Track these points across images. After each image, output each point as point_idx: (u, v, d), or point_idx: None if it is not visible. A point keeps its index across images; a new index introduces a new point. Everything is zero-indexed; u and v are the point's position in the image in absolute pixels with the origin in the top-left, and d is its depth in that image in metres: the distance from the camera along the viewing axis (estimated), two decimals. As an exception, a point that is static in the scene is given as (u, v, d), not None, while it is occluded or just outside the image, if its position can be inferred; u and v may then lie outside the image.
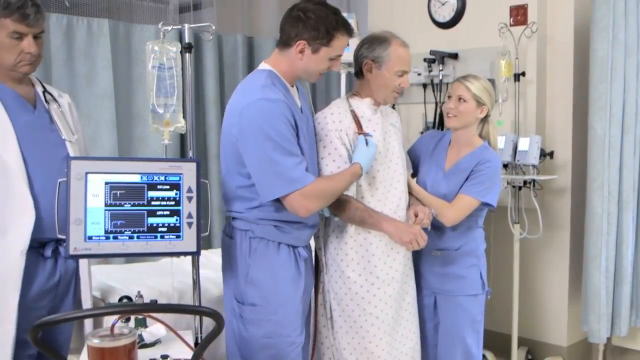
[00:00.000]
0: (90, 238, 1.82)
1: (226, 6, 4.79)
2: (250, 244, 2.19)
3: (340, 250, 2.41)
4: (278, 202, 2.15)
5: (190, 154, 2.44)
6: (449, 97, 2.64)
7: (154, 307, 1.69)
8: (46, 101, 2.12)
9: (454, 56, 3.82)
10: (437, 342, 2.71)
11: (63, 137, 2.10)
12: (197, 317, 2.49)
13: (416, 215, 2.41)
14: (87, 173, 1.83)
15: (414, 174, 2.72)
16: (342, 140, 2.35)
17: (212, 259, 3.43)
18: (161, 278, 3.11)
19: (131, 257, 2.07)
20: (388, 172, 2.47)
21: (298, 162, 2.10)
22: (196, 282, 2.42)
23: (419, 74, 3.88)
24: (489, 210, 2.70)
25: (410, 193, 2.59)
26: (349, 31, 2.19)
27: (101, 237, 1.84)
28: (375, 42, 2.42)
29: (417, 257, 2.65)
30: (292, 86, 2.28)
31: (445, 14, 3.88)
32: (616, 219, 3.33)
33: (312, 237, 2.43)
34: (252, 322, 2.19)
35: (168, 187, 1.91)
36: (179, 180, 1.92)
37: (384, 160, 2.46)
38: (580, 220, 3.55)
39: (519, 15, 3.57)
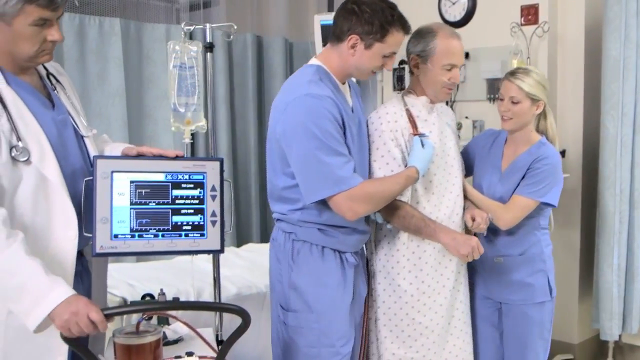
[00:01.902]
0: (116, 236, 1.82)
1: (235, 5, 4.80)
2: (294, 246, 2.11)
3: (392, 257, 2.29)
4: (322, 205, 2.04)
5: (212, 152, 2.43)
6: (501, 99, 2.45)
7: (187, 304, 1.71)
8: (54, 88, 1.89)
9: (465, 55, 3.83)
10: (502, 352, 2.58)
11: (81, 134, 1.90)
12: (217, 314, 2.50)
13: (473, 220, 2.29)
14: (112, 172, 1.83)
15: (467, 175, 2.59)
16: (397, 141, 2.22)
17: (227, 256, 3.45)
18: (176, 276, 3.13)
19: (154, 255, 2.07)
20: (444, 175, 2.33)
21: (345, 162, 1.99)
22: (216, 280, 2.42)
23: (430, 73, 3.89)
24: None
25: (464, 196, 2.43)
26: (405, 27, 2.06)
27: (127, 236, 1.83)
28: (420, 35, 2.28)
29: (479, 265, 2.52)
30: (343, 83, 2.16)
31: (455, 14, 3.90)
32: (628, 217, 3.36)
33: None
34: (295, 329, 2.11)
35: (192, 185, 1.91)
36: (203, 179, 1.92)
37: (441, 163, 2.31)
38: (590, 218, 3.57)
39: (529, 15, 3.58)
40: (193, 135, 4.20)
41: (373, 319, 2.33)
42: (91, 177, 1.82)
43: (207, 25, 2.32)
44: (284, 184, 2.08)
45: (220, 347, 2.27)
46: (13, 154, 1.66)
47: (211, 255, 2.96)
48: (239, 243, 4.30)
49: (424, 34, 2.27)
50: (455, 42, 2.27)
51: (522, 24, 3.57)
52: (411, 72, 2.35)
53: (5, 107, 1.68)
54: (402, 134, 2.23)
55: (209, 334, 2.26)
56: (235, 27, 2.34)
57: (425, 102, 2.32)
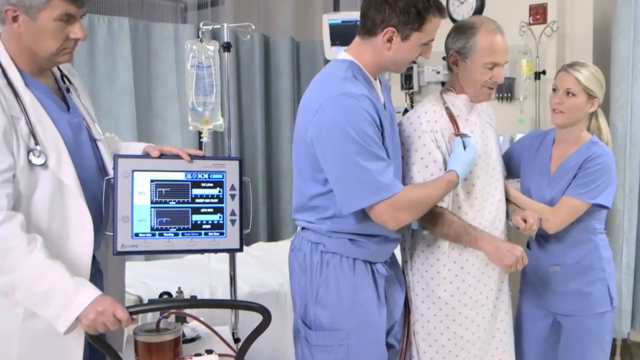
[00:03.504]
0: (137, 235, 1.83)
1: (242, 4, 4.81)
2: (322, 259, 1.95)
3: (431, 267, 2.13)
4: (356, 213, 1.89)
5: (229, 152, 2.43)
6: (555, 89, 2.33)
7: (209, 302, 1.72)
8: (67, 90, 1.88)
9: (474, 55, 3.84)
10: None
11: (94, 137, 1.89)
12: (234, 313, 2.51)
13: (525, 221, 2.17)
14: (133, 171, 1.84)
15: (512, 177, 2.47)
16: (437, 143, 2.07)
17: (238, 255, 3.45)
18: (188, 274, 3.14)
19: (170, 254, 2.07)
20: (487, 178, 2.18)
21: (385, 167, 1.84)
22: (232, 278, 2.43)
23: (438, 72, 3.90)
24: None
25: (507, 199, 2.29)
26: (441, 11, 1.90)
27: (147, 234, 1.85)
28: (460, 30, 2.13)
29: (532, 274, 2.40)
30: (376, 79, 2.01)
31: (464, 13, 3.89)
32: (637, 216, 3.36)
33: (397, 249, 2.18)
34: (319, 348, 1.95)
35: (212, 184, 1.92)
36: (222, 178, 1.93)
37: (483, 166, 2.16)
38: (599, 217, 3.59)
39: (538, 14, 3.59)
40: (201, 134, 4.24)
41: (411, 332, 2.20)
42: (111, 177, 1.84)
43: (225, 24, 2.32)
44: (314, 191, 1.94)
45: (237, 344, 2.30)
46: (30, 158, 1.65)
47: (223, 254, 2.97)
48: (247, 242, 4.31)
49: (464, 29, 2.13)
50: (499, 39, 2.10)
51: (530, 24, 3.58)
52: (449, 69, 2.22)
53: (24, 110, 1.67)
54: (442, 134, 2.09)
55: (225, 331, 2.27)
56: (253, 27, 2.33)
57: (465, 100, 2.18)
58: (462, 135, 2.08)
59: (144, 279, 3.01)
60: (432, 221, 2.08)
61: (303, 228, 2.02)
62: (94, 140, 1.88)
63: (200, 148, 4.10)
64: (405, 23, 1.86)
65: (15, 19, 1.65)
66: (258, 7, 4.87)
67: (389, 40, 1.89)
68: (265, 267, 3.43)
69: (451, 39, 2.16)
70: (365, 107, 1.84)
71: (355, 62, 1.95)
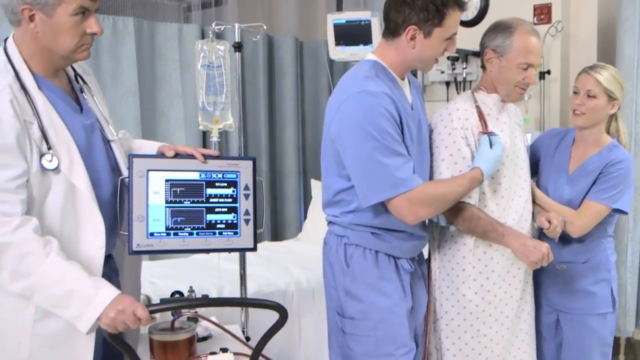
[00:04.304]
0: (152, 234, 1.84)
1: (245, 4, 4.82)
2: (346, 251, 2.02)
3: (457, 265, 2.16)
4: (376, 207, 1.95)
5: (241, 152, 2.43)
6: (575, 92, 2.36)
7: (226, 300, 1.73)
8: (80, 90, 1.85)
9: (478, 54, 3.83)
10: None
11: (108, 138, 1.87)
12: (244, 311, 2.52)
13: (549, 222, 2.17)
14: (148, 170, 1.84)
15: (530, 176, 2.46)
16: (467, 140, 2.11)
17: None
18: (195, 274, 3.15)
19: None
20: (514, 178, 2.20)
21: (403, 162, 1.89)
22: (243, 278, 2.44)
23: (442, 72, 3.92)
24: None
25: (532, 201, 2.31)
26: (460, 5, 1.94)
27: (162, 234, 1.85)
28: (498, 29, 2.18)
29: (539, 270, 2.34)
30: (403, 79, 2.05)
31: (468, 13, 3.88)
32: (641, 215, 3.39)
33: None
34: (352, 337, 2.02)
35: (226, 184, 1.92)
36: (236, 177, 1.94)
37: (511, 165, 2.18)
38: (603, 216, 3.60)
39: (542, 14, 3.60)
40: (205, 134, 4.24)
41: (432, 329, 2.23)
42: (126, 177, 1.84)
43: (236, 25, 2.33)
44: (339, 186, 2.01)
45: (250, 342, 2.30)
46: (42, 162, 1.64)
47: (229, 253, 2.99)
48: (251, 241, 4.32)
49: (501, 28, 2.18)
50: (534, 40, 2.16)
51: (535, 24, 3.58)
52: (483, 67, 2.26)
53: (36, 113, 1.65)
54: (472, 132, 2.13)
55: (236, 330, 2.28)
56: (265, 27, 2.33)
57: (496, 100, 2.22)
58: (490, 134, 2.11)
59: (150, 279, 3.01)
60: (460, 217, 2.10)
61: (330, 222, 2.09)
62: (107, 141, 1.87)
63: (204, 147, 4.17)
64: (425, 20, 1.91)
65: (32, 18, 1.64)
66: (262, 6, 4.87)
67: (413, 39, 1.94)
68: (272, 267, 3.44)
69: (487, 37, 2.21)
70: (384, 104, 1.89)
71: (379, 62, 2.00)
